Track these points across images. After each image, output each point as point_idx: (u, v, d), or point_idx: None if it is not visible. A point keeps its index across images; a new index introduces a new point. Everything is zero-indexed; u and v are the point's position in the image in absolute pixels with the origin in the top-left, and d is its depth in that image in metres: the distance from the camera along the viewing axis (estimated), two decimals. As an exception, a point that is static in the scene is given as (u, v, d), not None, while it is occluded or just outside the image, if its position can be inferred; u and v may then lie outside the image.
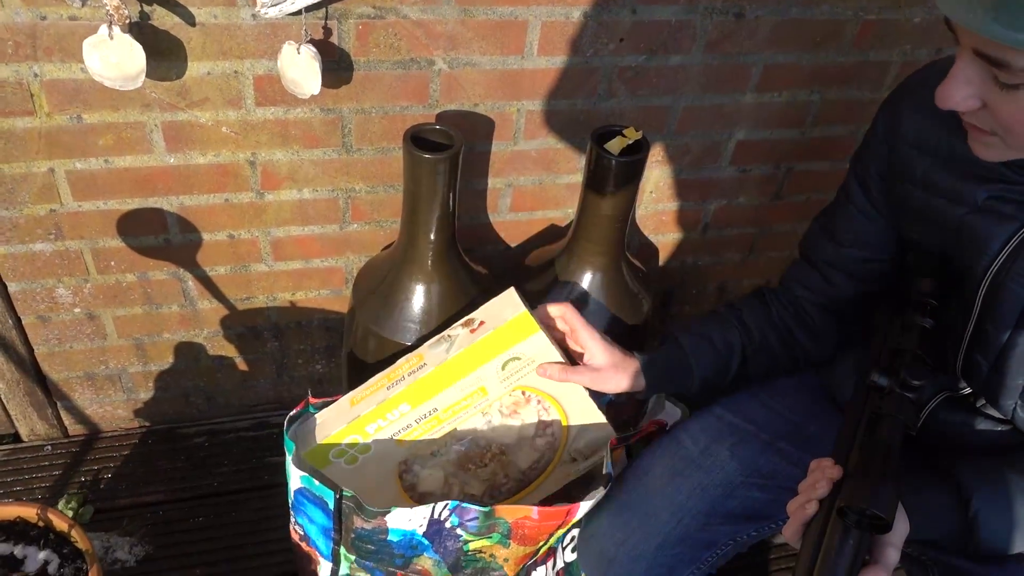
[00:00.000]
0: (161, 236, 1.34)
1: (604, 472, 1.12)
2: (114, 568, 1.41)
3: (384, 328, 1.30)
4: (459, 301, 1.31)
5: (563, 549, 1.25)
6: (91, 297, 1.39)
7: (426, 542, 1.09)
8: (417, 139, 1.18)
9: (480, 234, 1.50)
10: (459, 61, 1.25)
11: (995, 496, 0.93)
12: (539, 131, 1.37)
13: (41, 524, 1.08)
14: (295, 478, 1.10)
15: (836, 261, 1.13)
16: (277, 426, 1.64)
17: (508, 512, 1.07)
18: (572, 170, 1.45)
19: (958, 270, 0.97)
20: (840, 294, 1.15)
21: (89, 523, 1.46)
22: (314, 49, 1.11)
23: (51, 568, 1.03)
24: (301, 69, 1.12)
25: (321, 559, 1.17)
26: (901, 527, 0.86)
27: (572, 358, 1.17)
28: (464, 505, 1.05)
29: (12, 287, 1.34)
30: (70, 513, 1.41)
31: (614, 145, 1.24)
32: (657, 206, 1.57)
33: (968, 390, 1.03)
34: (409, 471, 1.17)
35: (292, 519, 1.18)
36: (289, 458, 1.08)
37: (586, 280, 1.35)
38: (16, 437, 1.59)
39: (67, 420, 1.59)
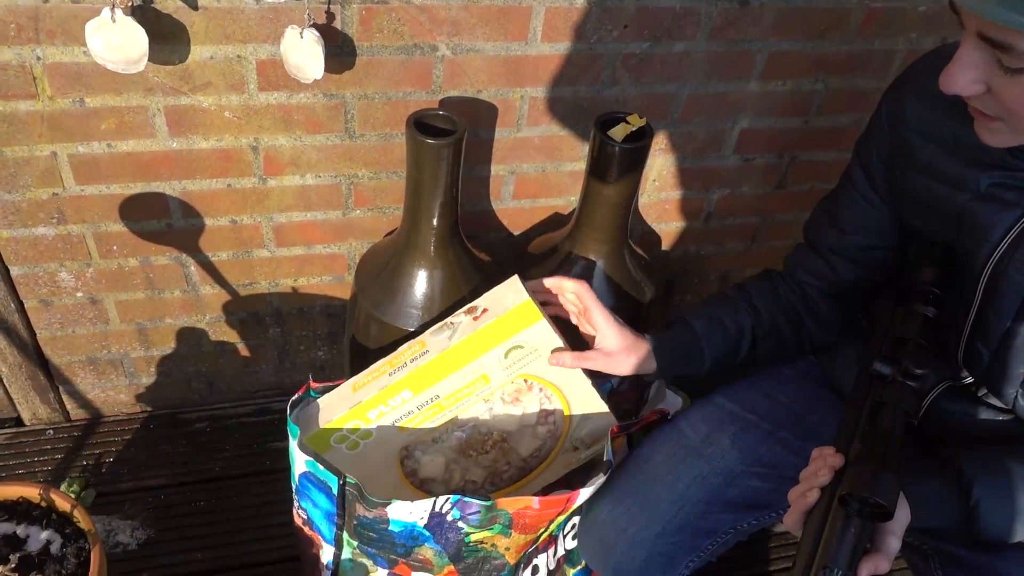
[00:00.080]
0: (163, 221, 1.34)
1: (604, 459, 1.12)
2: (116, 551, 1.41)
3: (386, 314, 1.30)
4: (462, 287, 1.30)
5: (564, 536, 1.25)
6: (93, 281, 1.39)
7: (427, 533, 1.09)
8: (420, 124, 1.17)
9: (483, 221, 1.50)
10: (462, 47, 1.25)
11: (996, 485, 0.93)
12: (542, 118, 1.37)
13: (44, 504, 1.08)
14: (299, 462, 1.10)
15: (838, 247, 1.13)
16: (279, 412, 1.64)
17: (509, 503, 1.07)
18: (575, 157, 1.44)
19: (960, 258, 0.97)
20: (842, 280, 1.15)
21: (91, 507, 1.46)
22: (317, 33, 1.11)
23: (53, 548, 1.03)
24: (304, 54, 1.11)
25: (324, 543, 1.17)
26: (902, 515, 0.86)
27: (583, 343, 1.17)
28: (466, 499, 1.05)
29: (15, 271, 1.34)
30: (72, 496, 1.41)
31: (618, 132, 1.23)
32: (660, 194, 1.57)
33: (970, 379, 1.03)
34: (410, 457, 1.17)
35: (296, 503, 1.18)
36: (293, 442, 1.08)
37: (589, 267, 1.35)
38: (18, 421, 1.59)
39: (69, 404, 1.60)
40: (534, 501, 1.07)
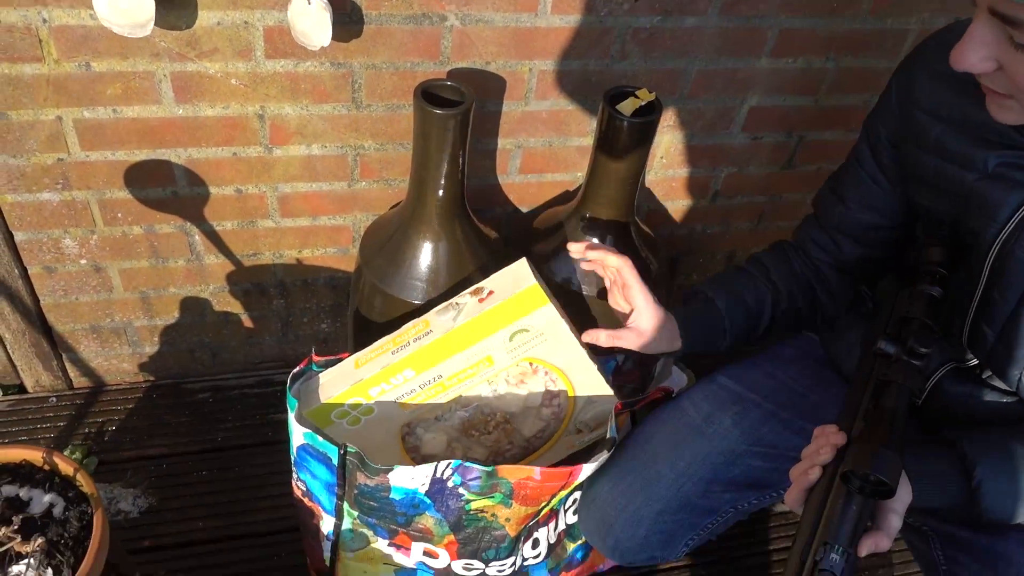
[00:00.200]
0: (168, 189, 1.33)
1: (608, 436, 1.12)
2: (117, 519, 1.42)
3: (391, 286, 1.29)
4: (466, 260, 1.30)
5: (565, 511, 1.25)
6: (97, 249, 1.39)
7: (428, 501, 1.09)
8: (428, 95, 1.17)
9: (489, 196, 1.49)
10: (472, 17, 1.23)
11: (999, 466, 0.93)
12: (551, 91, 1.36)
13: (47, 467, 1.08)
14: (298, 434, 1.10)
15: (843, 225, 1.13)
16: (281, 384, 1.63)
17: (510, 472, 1.07)
18: (583, 133, 1.43)
19: (967, 238, 0.96)
20: (847, 258, 1.15)
21: (93, 474, 1.47)
22: (325, 0, 1.10)
23: (56, 511, 1.03)
24: (311, 20, 1.10)
25: (324, 514, 1.18)
26: (904, 494, 0.86)
27: (589, 326, 1.16)
28: (467, 464, 1.05)
29: (19, 236, 1.34)
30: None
31: (626, 106, 1.23)
32: (667, 172, 1.56)
33: (975, 361, 1.02)
34: (412, 434, 1.17)
35: (294, 475, 1.18)
36: (292, 415, 1.09)
37: (595, 243, 1.34)
38: (21, 388, 1.60)
39: (72, 372, 1.60)
40: (535, 472, 1.07)
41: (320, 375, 1.15)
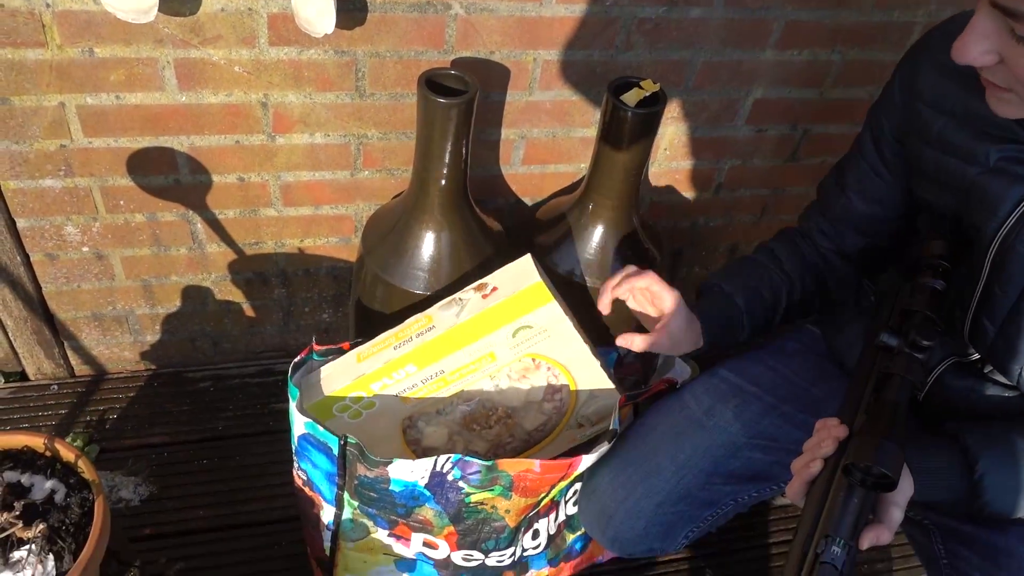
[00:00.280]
0: (171, 176, 1.33)
1: (611, 428, 1.12)
2: (118, 507, 1.42)
3: (393, 275, 1.29)
4: (468, 251, 1.30)
5: (565, 502, 1.25)
6: (99, 236, 1.39)
7: (428, 493, 1.09)
8: (431, 83, 1.16)
9: (492, 186, 1.49)
10: (476, 6, 1.23)
11: (1001, 460, 0.93)
12: (555, 82, 1.35)
13: (48, 454, 1.08)
14: (299, 424, 1.10)
15: (846, 215, 1.13)
16: (282, 373, 1.64)
17: (510, 465, 1.07)
18: (586, 124, 1.43)
19: (969, 232, 0.96)
20: (850, 247, 1.15)
21: (95, 462, 1.47)
22: (329, -12, 1.10)
23: (57, 497, 1.03)
24: (315, 7, 1.10)
25: (324, 504, 1.18)
26: (906, 486, 0.86)
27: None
28: (467, 458, 1.05)
29: (21, 223, 1.34)
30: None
31: (631, 97, 1.22)
32: (671, 164, 1.56)
33: (976, 356, 1.02)
34: (413, 427, 1.17)
35: (295, 464, 1.18)
36: (293, 404, 1.08)
37: (598, 234, 1.34)
38: (23, 375, 1.60)
39: (74, 360, 1.60)
40: (535, 464, 1.07)
41: (322, 368, 1.15)
